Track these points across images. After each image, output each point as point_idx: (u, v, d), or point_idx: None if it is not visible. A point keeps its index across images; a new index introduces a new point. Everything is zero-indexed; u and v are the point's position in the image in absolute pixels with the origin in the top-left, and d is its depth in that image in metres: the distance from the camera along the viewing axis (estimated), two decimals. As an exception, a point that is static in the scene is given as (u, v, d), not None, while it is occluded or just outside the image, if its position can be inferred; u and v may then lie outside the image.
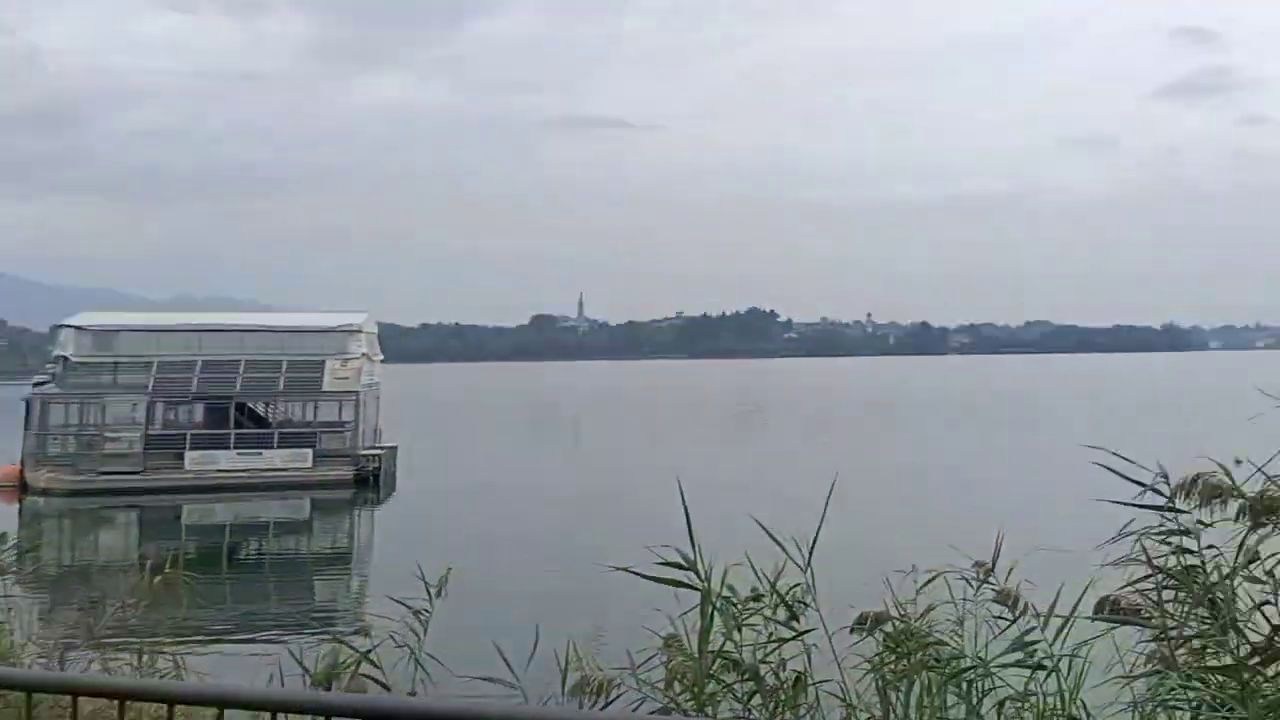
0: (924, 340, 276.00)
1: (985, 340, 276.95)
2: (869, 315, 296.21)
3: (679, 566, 3.73)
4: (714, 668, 3.69)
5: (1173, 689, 3.35)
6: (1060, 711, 3.72)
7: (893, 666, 3.95)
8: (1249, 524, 3.43)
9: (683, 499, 3.73)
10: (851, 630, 4.10)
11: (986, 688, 3.90)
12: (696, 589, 3.68)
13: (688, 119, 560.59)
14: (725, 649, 3.73)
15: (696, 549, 3.72)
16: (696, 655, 3.62)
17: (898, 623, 4.03)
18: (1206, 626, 3.43)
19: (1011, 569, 4.16)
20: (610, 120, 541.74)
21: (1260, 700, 3.16)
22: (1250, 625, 3.38)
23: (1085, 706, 3.71)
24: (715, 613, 3.65)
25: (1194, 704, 3.28)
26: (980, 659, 3.90)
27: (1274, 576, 3.38)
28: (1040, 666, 3.78)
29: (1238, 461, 3.67)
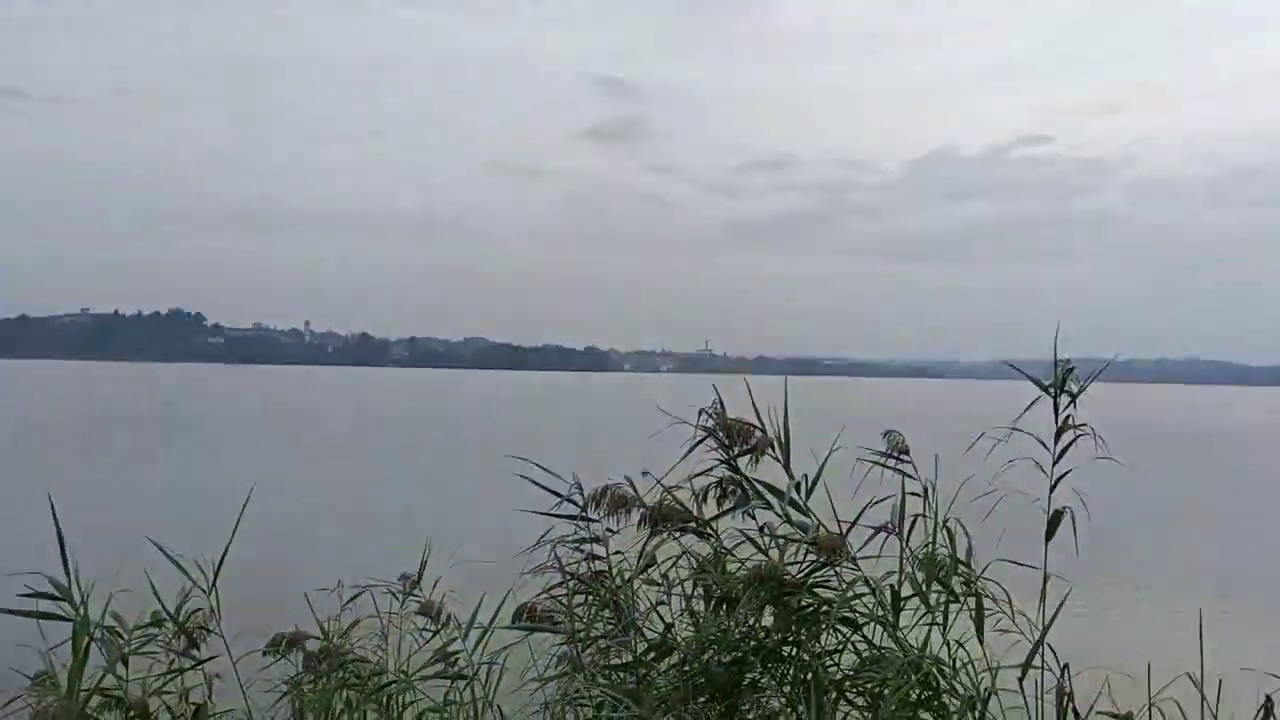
0: (364, 351, 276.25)
1: (425, 354, 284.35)
2: (307, 323, 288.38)
3: (49, 597, 3.20)
4: (92, 705, 3.23)
5: (579, 688, 3.52)
6: (476, 718, 3.77)
7: (311, 687, 3.77)
8: (649, 531, 3.72)
9: (55, 519, 3.22)
10: (265, 653, 3.84)
11: (407, 701, 3.85)
12: (68, 619, 3.18)
13: (103, 96, 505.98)
14: (106, 685, 3.28)
15: (72, 575, 3.21)
16: (67, 694, 3.12)
17: (317, 642, 3.86)
18: (611, 628, 3.66)
19: (437, 581, 4.16)
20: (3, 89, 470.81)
21: (654, 692, 3.42)
22: (648, 625, 3.66)
23: (501, 711, 3.79)
24: (92, 645, 3.18)
25: (597, 701, 3.47)
26: (402, 672, 3.84)
27: (668, 579, 3.69)
28: (460, 676, 3.80)
29: (645, 473, 3.97)
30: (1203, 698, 3.42)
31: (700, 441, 3.76)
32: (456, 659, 3.83)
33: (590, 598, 3.71)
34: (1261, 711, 3.40)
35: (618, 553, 3.76)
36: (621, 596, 3.65)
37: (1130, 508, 21.98)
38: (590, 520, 3.77)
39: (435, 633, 3.95)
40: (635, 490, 3.77)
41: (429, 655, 3.86)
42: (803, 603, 3.45)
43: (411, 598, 4.06)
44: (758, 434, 3.77)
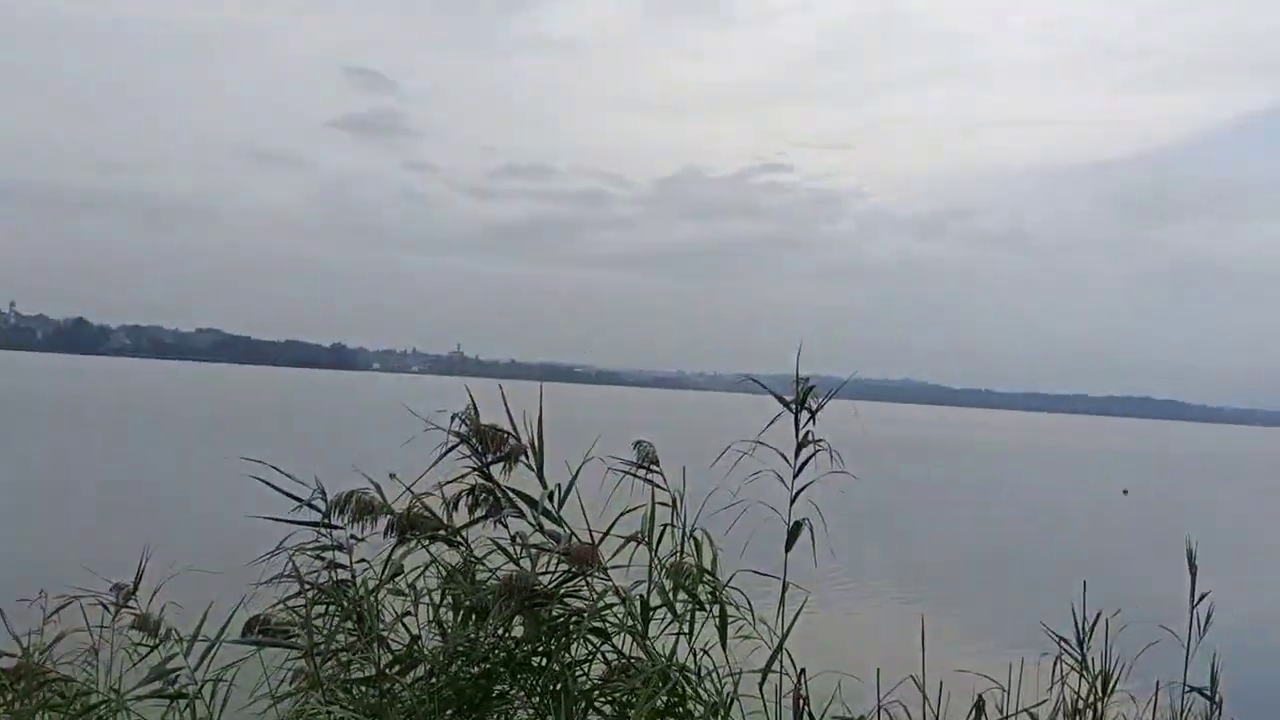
0: (80, 338, 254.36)
1: (153, 344, 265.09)
2: (12, 304, 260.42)
3: None
4: None
5: (317, 704, 3.33)
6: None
7: (6, 709, 3.38)
8: (396, 539, 3.58)
9: None
10: (-50, 672, 3.41)
11: (123, 722, 3.53)
12: None
13: None
14: None
15: None
16: None
17: (14, 659, 3.46)
18: (354, 639, 3.49)
19: (156, 591, 3.85)
20: None
21: (399, 706, 3.29)
22: (393, 636, 3.52)
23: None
24: None
25: (337, 718, 3.29)
26: (114, 691, 3.52)
27: (415, 589, 3.57)
28: (180, 695, 3.52)
29: (392, 476, 3.84)
30: (924, 698, 3.66)
31: (453, 448, 3.67)
32: (177, 676, 3.54)
33: (331, 608, 3.53)
34: (974, 711, 3.67)
35: (362, 561, 3.60)
36: (365, 607, 3.48)
37: (863, 519, 23.51)
38: (333, 527, 3.59)
39: (153, 648, 3.65)
40: (383, 496, 3.63)
41: (145, 673, 3.55)
42: (554, 613, 3.41)
43: (126, 610, 3.74)
44: (511, 441, 3.71)
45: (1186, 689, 4.68)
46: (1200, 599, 4.82)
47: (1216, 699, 4.62)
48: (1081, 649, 4.45)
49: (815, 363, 4.11)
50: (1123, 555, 23.00)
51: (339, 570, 3.60)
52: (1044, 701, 4.21)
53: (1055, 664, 4.43)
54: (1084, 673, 4.39)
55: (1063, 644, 4.47)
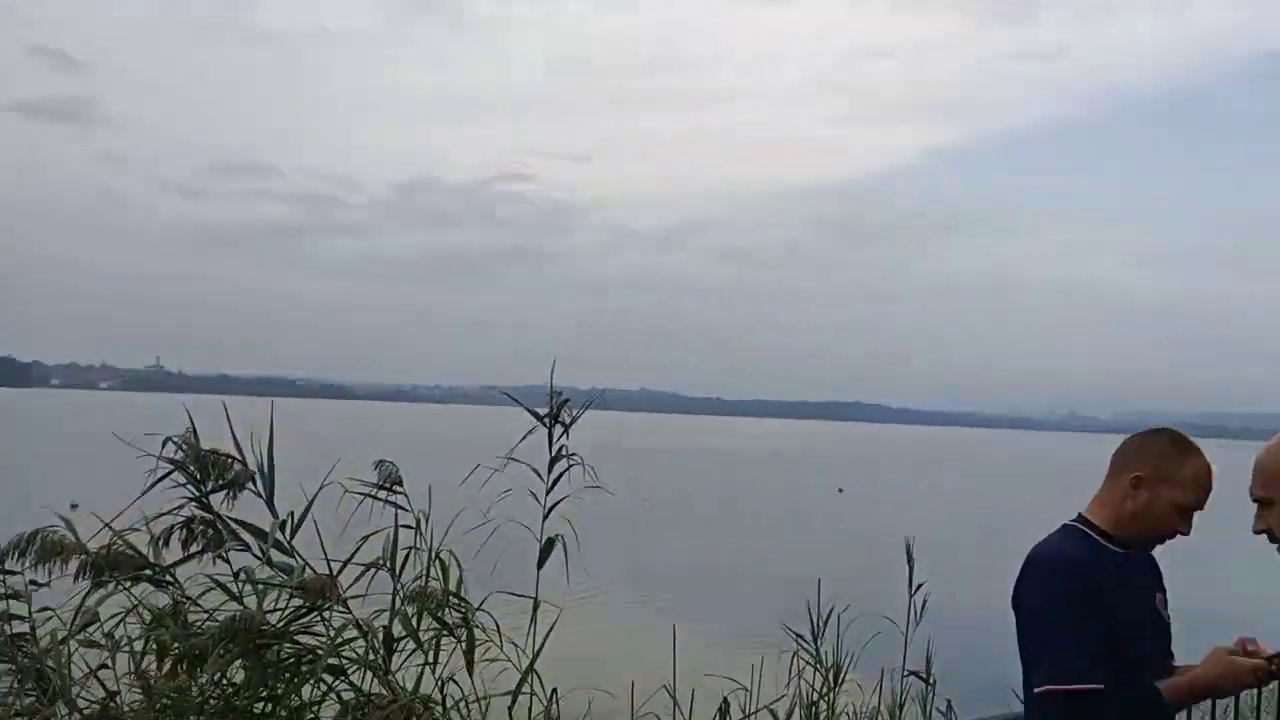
0: None
1: None
2: None
3: None
4: None
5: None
6: None
7: None
8: (91, 582, 3.13)
9: None
10: None
11: None
12: None
13: None
14: None
15: None
16: None
17: None
18: (32, 700, 2.98)
19: None
20: None
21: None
22: (86, 694, 3.04)
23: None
24: None
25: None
26: None
27: (113, 638, 3.11)
28: None
29: (74, 506, 3.36)
30: (675, 706, 3.64)
31: (165, 476, 3.26)
32: None
33: (4, 668, 3.01)
34: (718, 714, 3.71)
35: (45, 610, 3.11)
36: (49, 662, 2.99)
37: (613, 532, 23.68)
38: (8, 572, 3.09)
39: None
40: (75, 535, 3.16)
41: None
42: (283, 653, 3.08)
43: None
44: (236, 466, 3.34)
45: (905, 673, 4.98)
46: (917, 589, 5.14)
47: (931, 680, 4.94)
48: (815, 644, 4.64)
49: (555, 374, 4.02)
50: (846, 552, 24.39)
51: (15, 622, 3.09)
52: (782, 697, 4.33)
53: (793, 659, 4.60)
54: (818, 666, 4.58)
55: (799, 640, 4.65)
